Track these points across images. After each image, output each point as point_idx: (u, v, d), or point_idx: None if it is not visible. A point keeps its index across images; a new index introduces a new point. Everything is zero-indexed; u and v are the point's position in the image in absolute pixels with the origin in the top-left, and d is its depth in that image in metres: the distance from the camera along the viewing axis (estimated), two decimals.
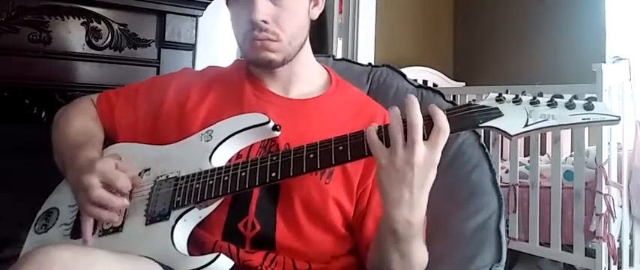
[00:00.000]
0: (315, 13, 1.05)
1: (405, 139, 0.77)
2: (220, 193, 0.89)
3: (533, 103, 0.77)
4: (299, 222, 0.96)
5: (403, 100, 0.80)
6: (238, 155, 0.98)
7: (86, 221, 0.93)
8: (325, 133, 0.88)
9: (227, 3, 1.03)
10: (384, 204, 0.81)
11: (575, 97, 0.75)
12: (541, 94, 0.77)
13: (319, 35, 3.14)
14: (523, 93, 0.78)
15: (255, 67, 1.06)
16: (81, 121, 1.09)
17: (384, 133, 0.80)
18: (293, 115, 1.02)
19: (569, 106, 0.75)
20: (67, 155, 1.01)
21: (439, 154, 0.77)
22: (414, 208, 0.79)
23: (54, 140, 1.08)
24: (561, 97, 0.76)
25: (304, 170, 0.85)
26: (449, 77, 3.44)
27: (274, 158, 0.88)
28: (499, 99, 0.79)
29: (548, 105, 0.76)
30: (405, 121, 0.77)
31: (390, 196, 0.79)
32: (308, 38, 1.05)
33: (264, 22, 0.95)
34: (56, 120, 1.12)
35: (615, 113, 0.73)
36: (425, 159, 0.76)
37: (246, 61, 1.08)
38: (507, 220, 2.37)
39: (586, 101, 0.74)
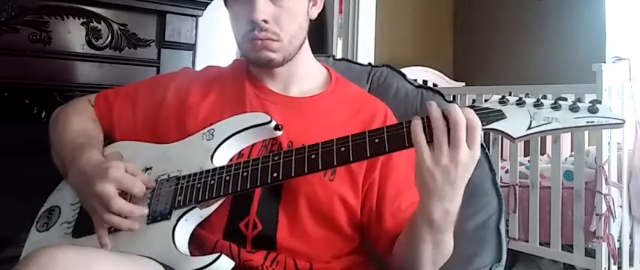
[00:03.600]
0: (314, 13, 1.05)
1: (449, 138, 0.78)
2: (222, 193, 0.89)
3: (537, 105, 0.76)
4: (302, 221, 0.96)
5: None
6: (240, 154, 0.98)
7: (101, 228, 0.91)
8: (326, 130, 0.88)
9: (226, 3, 1.02)
10: (423, 197, 0.82)
11: (579, 100, 0.75)
12: (545, 97, 0.77)
13: (319, 35, 3.14)
14: (527, 95, 0.77)
15: (254, 67, 1.07)
16: (80, 121, 1.08)
17: (427, 131, 0.80)
18: (294, 113, 1.02)
19: (573, 108, 0.74)
20: (67, 156, 1.00)
21: (479, 150, 0.79)
22: (453, 200, 0.82)
23: (52, 140, 1.08)
24: (565, 99, 0.76)
25: (305, 171, 0.85)
26: (449, 77, 3.43)
27: (276, 158, 0.88)
28: (502, 101, 0.78)
29: (552, 107, 0.75)
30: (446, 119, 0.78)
31: (433, 191, 0.80)
32: (307, 37, 1.05)
33: (265, 21, 0.95)
34: (54, 120, 1.12)
35: (620, 116, 0.73)
36: (468, 157, 0.78)
37: (246, 60, 1.08)
38: (507, 220, 2.37)
39: (590, 104, 0.74)
